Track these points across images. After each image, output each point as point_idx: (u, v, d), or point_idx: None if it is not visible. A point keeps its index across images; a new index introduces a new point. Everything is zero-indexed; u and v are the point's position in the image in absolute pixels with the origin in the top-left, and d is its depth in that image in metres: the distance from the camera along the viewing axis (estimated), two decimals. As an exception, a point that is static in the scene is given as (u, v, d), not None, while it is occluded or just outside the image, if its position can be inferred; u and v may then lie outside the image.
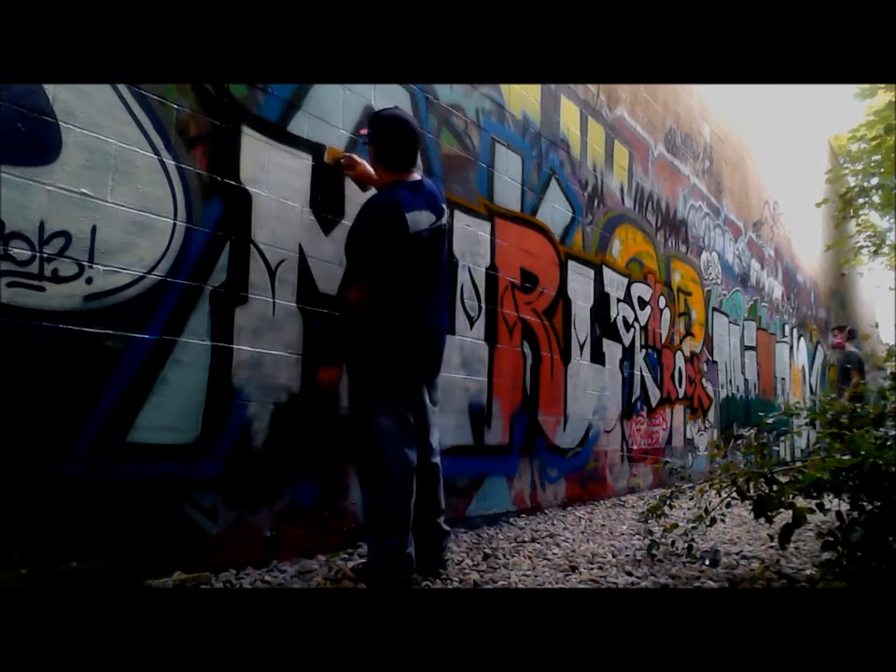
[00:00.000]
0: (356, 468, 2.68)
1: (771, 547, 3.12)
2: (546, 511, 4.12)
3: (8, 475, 1.88)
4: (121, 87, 2.15)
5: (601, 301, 4.96)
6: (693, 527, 3.02)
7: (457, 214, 3.57)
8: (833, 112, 33.47)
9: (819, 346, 11.48)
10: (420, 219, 2.35)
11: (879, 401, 2.74)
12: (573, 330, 4.59)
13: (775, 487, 2.50)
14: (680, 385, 6.23)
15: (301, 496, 2.64)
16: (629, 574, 2.65)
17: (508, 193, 3.99)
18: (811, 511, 2.39)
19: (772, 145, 9.20)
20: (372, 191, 2.67)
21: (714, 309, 7.14)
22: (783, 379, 9.37)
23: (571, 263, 4.61)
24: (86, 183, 2.05)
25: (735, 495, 2.78)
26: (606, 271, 5.06)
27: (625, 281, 5.35)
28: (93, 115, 2.07)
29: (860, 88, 11.83)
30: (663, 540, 3.14)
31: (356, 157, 2.72)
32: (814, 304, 11.35)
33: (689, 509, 3.47)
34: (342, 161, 2.74)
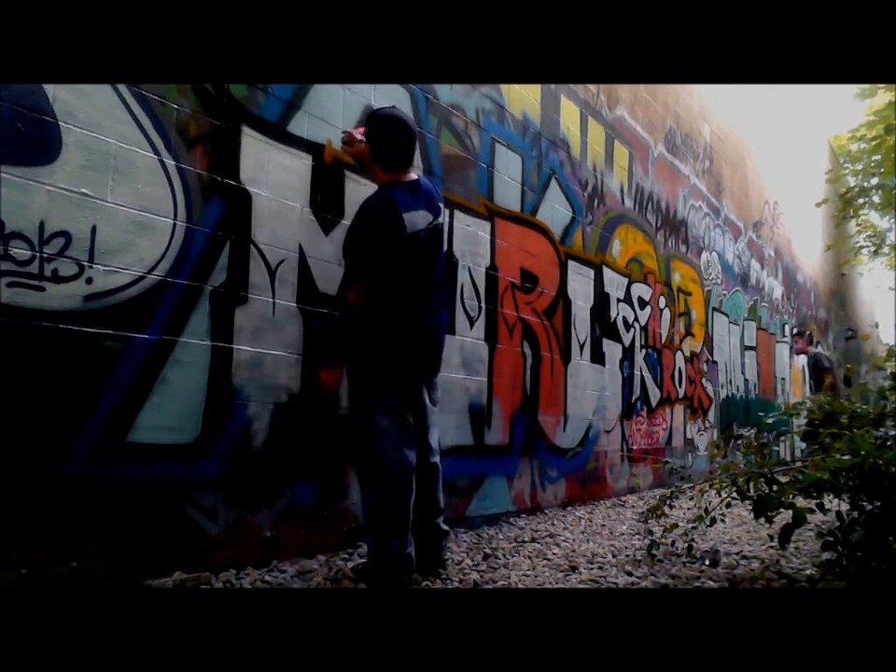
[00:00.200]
0: (355, 468, 2.67)
1: (771, 547, 3.12)
2: (546, 511, 4.12)
3: (8, 475, 1.88)
4: (121, 87, 2.15)
5: (601, 300, 4.96)
6: (693, 527, 3.02)
7: (457, 214, 3.57)
8: (833, 112, 33.52)
9: (820, 346, 11.48)
10: (417, 219, 2.34)
11: (879, 401, 2.74)
12: (573, 330, 4.59)
13: (775, 487, 2.50)
14: (680, 385, 6.23)
15: (301, 496, 2.64)
16: (629, 574, 2.65)
17: (508, 193, 3.99)
18: (811, 511, 2.39)
19: (772, 145, 9.20)
20: (370, 187, 2.66)
21: (714, 309, 7.14)
22: (783, 379, 9.38)
23: (571, 263, 4.61)
24: (86, 183, 2.05)
25: (734, 495, 2.78)
26: (606, 271, 5.06)
27: (625, 281, 5.35)
28: (93, 115, 2.07)
29: (860, 88, 11.85)
30: (663, 540, 3.14)
31: (354, 133, 2.62)
32: (814, 304, 11.35)
33: (689, 509, 3.47)
34: (342, 136, 2.70)
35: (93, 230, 2.06)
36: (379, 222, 2.30)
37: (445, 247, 3.24)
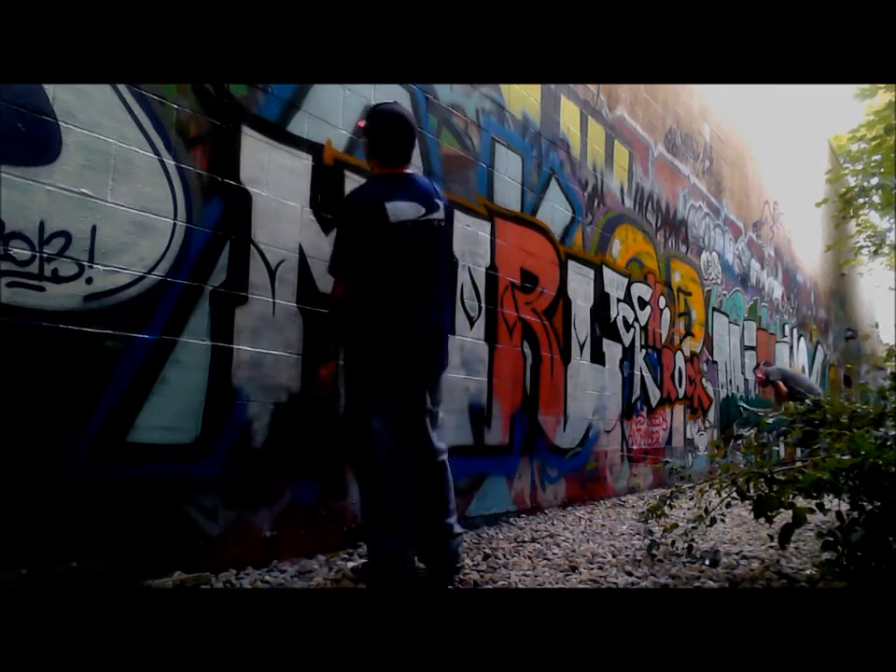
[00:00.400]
0: (352, 468, 2.66)
1: (771, 547, 3.12)
2: (546, 511, 4.12)
3: (9, 475, 1.88)
4: (121, 87, 2.15)
5: (601, 300, 4.96)
6: (693, 527, 3.02)
7: (457, 214, 3.57)
8: (833, 112, 33.54)
9: (819, 346, 11.49)
10: (403, 210, 2.27)
11: (879, 401, 2.74)
12: (573, 330, 4.59)
13: (775, 487, 2.50)
14: (680, 385, 6.23)
15: (301, 496, 2.64)
16: (629, 574, 2.65)
17: (508, 193, 3.99)
18: (811, 511, 2.39)
19: (772, 145, 9.20)
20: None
21: (714, 309, 7.14)
22: (783, 379, 9.37)
23: (571, 263, 4.61)
24: (86, 183, 2.05)
25: (734, 495, 2.78)
26: (606, 271, 5.05)
27: (625, 281, 5.35)
28: (93, 115, 2.07)
29: (860, 88, 11.85)
30: (663, 540, 3.13)
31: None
32: (814, 304, 11.34)
33: (689, 509, 3.47)
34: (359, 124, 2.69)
35: (93, 230, 2.06)
36: (359, 209, 2.28)
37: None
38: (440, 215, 2.41)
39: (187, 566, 2.22)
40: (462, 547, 2.50)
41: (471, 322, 3.64)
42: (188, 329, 2.30)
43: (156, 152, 2.24)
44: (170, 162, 2.28)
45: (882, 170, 10.96)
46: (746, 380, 7.93)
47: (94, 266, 2.06)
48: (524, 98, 4.20)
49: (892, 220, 13.43)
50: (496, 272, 3.84)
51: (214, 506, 2.35)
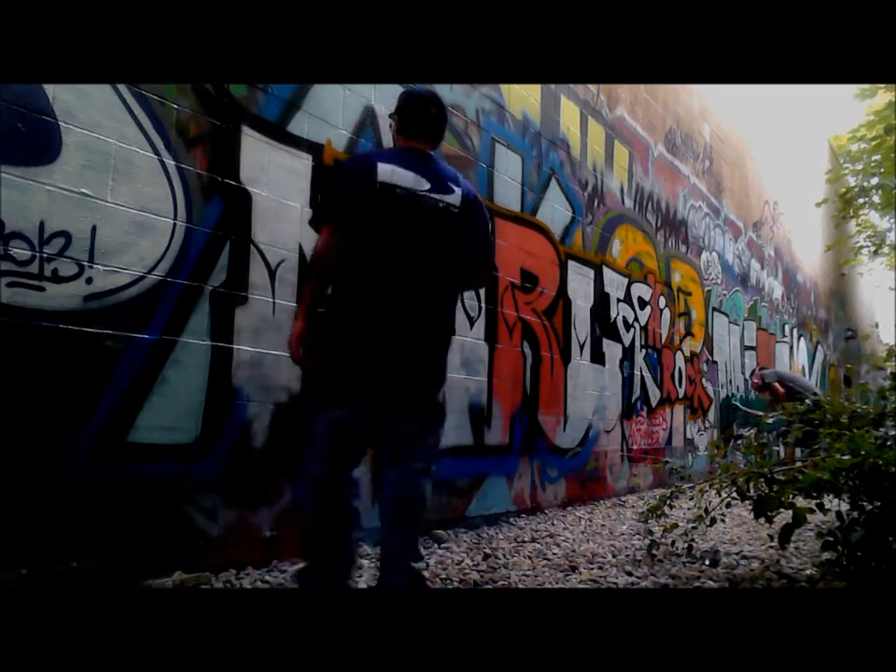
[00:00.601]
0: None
1: (771, 547, 3.12)
2: (546, 511, 4.12)
3: (9, 475, 1.88)
4: (121, 87, 2.15)
5: (601, 301, 4.96)
6: (693, 527, 3.02)
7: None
8: (833, 112, 33.55)
9: (819, 346, 11.48)
10: (398, 175, 2.02)
11: (879, 401, 2.74)
12: (573, 330, 4.59)
13: (775, 487, 2.50)
14: (680, 385, 6.23)
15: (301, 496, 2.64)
16: (629, 574, 2.65)
17: (508, 193, 3.99)
18: (811, 511, 2.39)
19: (772, 145, 9.20)
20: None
21: (714, 309, 7.14)
22: (783, 379, 9.37)
23: (571, 263, 4.61)
24: (86, 183, 2.05)
25: (735, 495, 2.78)
26: (606, 271, 5.05)
27: (625, 281, 5.35)
28: (93, 115, 2.07)
29: (860, 88, 11.85)
30: (663, 540, 3.13)
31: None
32: (814, 304, 11.34)
33: (689, 509, 3.47)
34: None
35: (93, 230, 2.06)
36: (350, 166, 2.13)
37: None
38: (452, 199, 2.11)
39: (187, 566, 2.22)
40: (419, 586, 2.11)
41: (471, 322, 3.63)
42: (188, 329, 2.30)
43: (156, 152, 2.24)
44: (170, 162, 2.28)
45: (882, 170, 10.96)
46: (746, 380, 7.93)
47: (94, 266, 2.06)
48: (524, 98, 4.20)
49: (892, 220, 13.43)
50: (496, 272, 3.84)
51: (214, 506, 2.35)
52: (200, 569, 2.24)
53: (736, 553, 3.09)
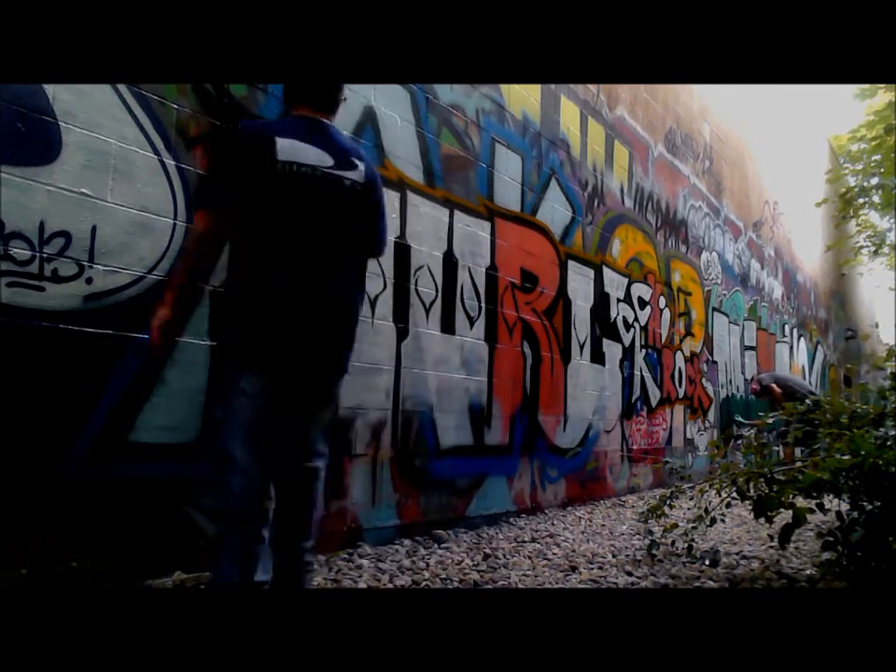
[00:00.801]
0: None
1: (771, 547, 3.12)
2: (546, 511, 4.12)
3: (9, 475, 1.88)
4: (121, 87, 2.15)
5: (601, 300, 4.96)
6: (693, 527, 3.02)
7: (457, 214, 3.58)
8: (833, 112, 33.58)
9: (819, 346, 11.48)
10: (299, 151, 1.87)
11: (879, 401, 2.74)
12: (573, 330, 4.59)
13: (775, 487, 2.50)
14: (680, 385, 6.23)
15: (301, 496, 2.63)
16: (629, 574, 2.65)
17: (508, 193, 3.99)
18: (811, 511, 2.39)
19: (772, 145, 9.20)
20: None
21: (714, 309, 7.14)
22: (783, 379, 9.37)
23: (571, 263, 4.61)
24: (86, 183, 2.05)
25: (734, 495, 2.78)
26: (606, 271, 5.06)
27: (625, 281, 5.35)
28: (93, 115, 2.07)
29: (860, 88, 11.86)
30: (663, 540, 3.14)
31: None
32: (814, 304, 11.35)
33: (689, 509, 3.47)
34: None
35: (93, 230, 2.06)
36: (238, 141, 1.88)
37: (398, 233, 3.19)
38: (355, 175, 1.98)
39: (187, 566, 2.22)
40: (312, 578, 2.07)
41: (471, 322, 3.63)
42: (188, 329, 2.30)
43: (156, 152, 2.24)
44: (170, 162, 2.28)
45: (882, 170, 10.96)
46: (746, 380, 7.93)
47: (94, 266, 2.06)
48: (524, 98, 4.20)
49: (892, 220, 13.44)
50: (496, 272, 3.84)
51: (214, 506, 2.35)
52: (200, 569, 2.24)
53: (736, 553, 3.09)
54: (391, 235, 3.15)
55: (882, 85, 10.52)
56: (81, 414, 2.03)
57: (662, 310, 5.94)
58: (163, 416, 2.22)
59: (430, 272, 3.38)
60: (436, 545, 3.08)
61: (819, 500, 2.51)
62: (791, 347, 9.80)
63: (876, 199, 12.19)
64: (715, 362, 7.10)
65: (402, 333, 3.20)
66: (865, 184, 11.99)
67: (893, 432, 2.39)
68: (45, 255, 1.95)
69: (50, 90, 1.97)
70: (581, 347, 4.68)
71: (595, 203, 4.97)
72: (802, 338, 10.41)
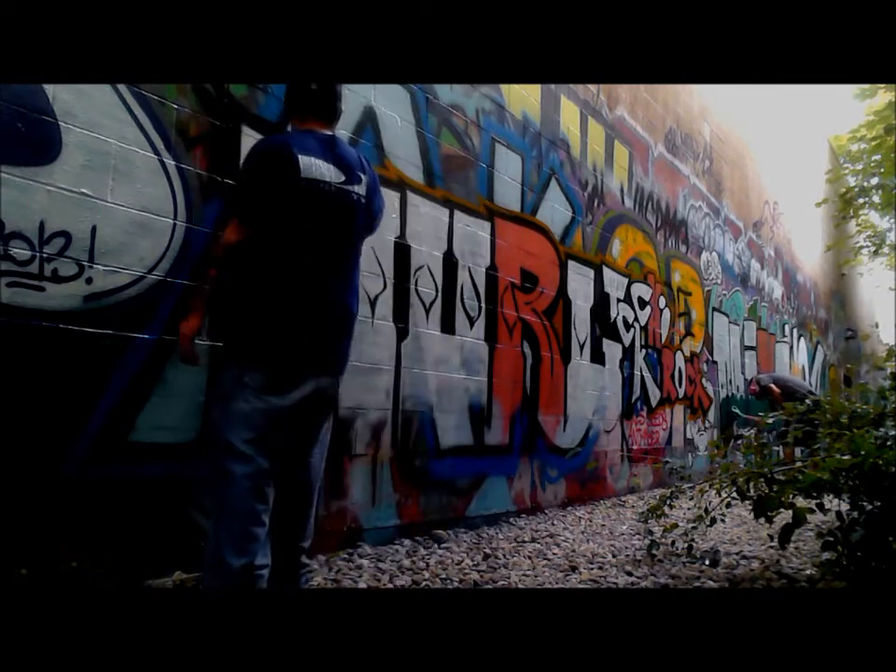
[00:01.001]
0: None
1: (771, 547, 3.12)
2: (546, 511, 4.12)
3: (9, 475, 1.88)
4: (121, 87, 2.15)
5: (601, 300, 4.96)
6: (693, 527, 3.02)
7: (457, 214, 3.58)
8: (833, 112, 33.60)
9: (819, 346, 11.48)
10: (319, 168, 1.96)
11: (879, 401, 2.74)
12: (573, 330, 4.59)
13: (775, 487, 2.50)
14: (680, 385, 6.23)
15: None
16: (629, 574, 2.65)
17: (508, 193, 3.99)
18: (811, 511, 2.39)
19: (772, 145, 9.21)
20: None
21: (714, 309, 7.14)
22: (783, 379, 9.36)
23: (571, 263, 4.61)
24: (86, 183, 2.05)
25: (734, 495, 2.78)
26: (606, 271, 5.06)
27: (625, 281, 5.35)
28: (93, 115, 2.07)
29: (859, 88, 11.86)
30: (663, 540, 3.14)
31: None
32: (814, 304, 11.35)
33: (689, 509, 3.47)
34: None
35: (93, 230, 2.06)
36: (264, 157, 1.97)
37: (398, 233, 3.21)
38: (360, 189, 2.09)
39: (187, 566, 2.22)
40: (310, 583, 2.13)
41: (471, 322, 3.63)
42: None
43: (156, 152, 2.24)
44: (170, 162, 2.28)
45: (882, 170, 10.97)
46: (746, 380, 7.93)
47: (94, 266, 2.06)
48: (524, 98, 4.20)
49: (892, 220, 13.44)
50: (496, 272, 3.84)
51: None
52: (200, 569, 2.23)
53: (736, 553, 3.09)
54: (391, 235, 3.16)
55: (882, 85, 10.52)
56: (81, 414, 2.03)
57: (662, 310, 5.95)
58: (163, 416, 2.22)
59: (430, 272, 3.38)
60: (436, 545, 3.08)
61: (819, 500, 2.51)
62: (791, 347, 9.80)
63: (876, 199, 12.19)
64: (715, 362, 7.10)
65: (402, 333, 3.20)
66: (865, 184, 12.00)
67: (893, 432, 2.39)
68: (45, 255, 1.95)
69: (50, 90, 1.97)
70: (581, 347, 4.68)
71: (595, 203, 4.97)
72: (802, 338, 10.41)
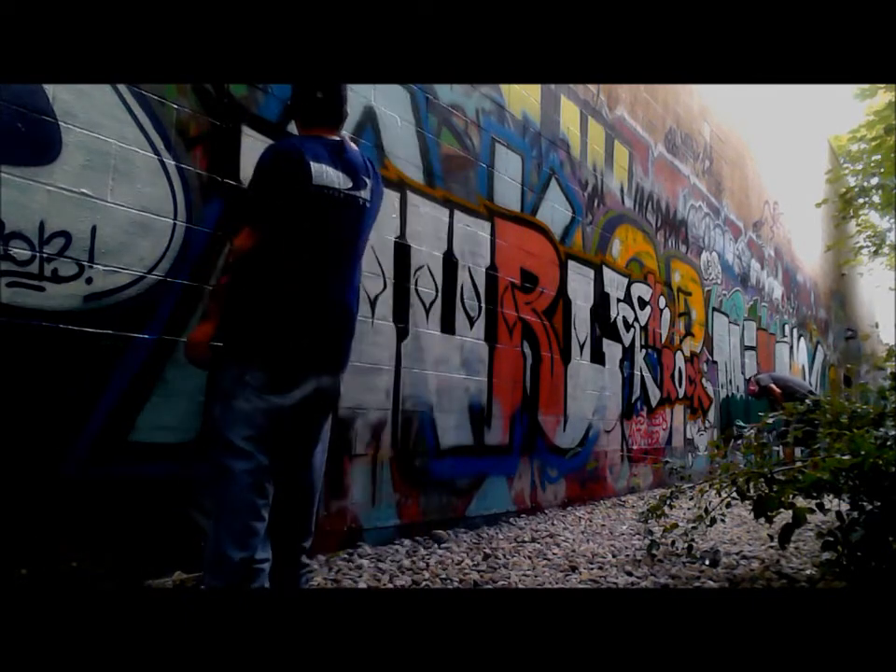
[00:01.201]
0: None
1: (771, 547, 3.12)
2: (546, 511, 4.12)
3: (9, 475, 1.88)
4: (121, 87, 2.15)
5: (601, 300, 4.96)
6: (693, 527, 3.02)
7: (457, 214, 3.58)
8: (833, 112, 33.60)
9: (819, 346, 11.48)
10: (329, 176, 1.97)
11: (879, 401, 2.74)
12: (573, 330, 4.59)
13: (775, 487, 2.50)
14: (680, 385, 6.23)
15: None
16: (629, 574, 2.65)
17: (508, 193, 3.99)
18: (811, 511, 2.39)
19: (772, 145, 9.21)
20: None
21: (714, 309, 7.14)
22: (783, 379, 9.36)
23: (571, 263, 4.61)
24: (86, 183, 2.05)
25: (734, 495, 2.78)
26: (606, 271, 5.06)
27: (625, 281, 5.35)
28: (93, 115, 2.07)
29: (860, 88, 11.86)
30: (663, 540, 3.14)
31: None
32: (814, 304, 11.35)
33: (689, 509, 3.47)
34: None
35: (93, 230, 2.06)
36: (277, 164, 1.95)
37: (398, 233, 3.22)
38: (365, 193, 2.10)
39: (187, 566, 2.22)
40: (310, 583, 2.14)
41: (471, 322, 3.63)
42: (188, 329, 2.30)
43: (156, 152, 2.24)
44: (170, 162, 2.28)
45: (882, 170, 10.97)
46: (746, 380, 7.93)
47: (94, 266, 2.06)
48: (524, 98, 4.20)
49: (892, 220, 13.44)
50: (496, 272, 3.84)
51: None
52: (200, 569, 2.23)
53: (736, 553, 3.09)
54: (391, 235, 3.16)
55: (882, 85, 10.52)
56: (81, 414, 2.03)
57: (662, 310, 5.95)
58: (163, 416, 2.22)
59: (430, 272, 3.38)
60: (436, 545, 3.08)
61: (819, 500, 2.51)
62: (791, 347, 9.80)
63: (876, 199, 12.19)
64: (715, 362, 7.10)
65: (402, 333, 3.20)
66: (865, 184, 12.00)
67: (893, 432, 2.39)
68: (45, 255, 1.95)
69: (50, 90, 1.97)
70: (581, 347, 4.68)
71: (595, 203, 4.97)
72: (802, 338, 10.41)
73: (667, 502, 3.26)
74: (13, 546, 1.88)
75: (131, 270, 2.15)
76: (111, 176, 2.11)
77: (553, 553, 3.01)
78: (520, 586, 2.45)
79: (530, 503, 4.04)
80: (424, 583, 2.43)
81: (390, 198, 3.13)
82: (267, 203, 1.95)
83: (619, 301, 5.22)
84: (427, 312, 3.36)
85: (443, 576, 2.52)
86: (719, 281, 7.30)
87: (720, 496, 2.89)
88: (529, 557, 2.92)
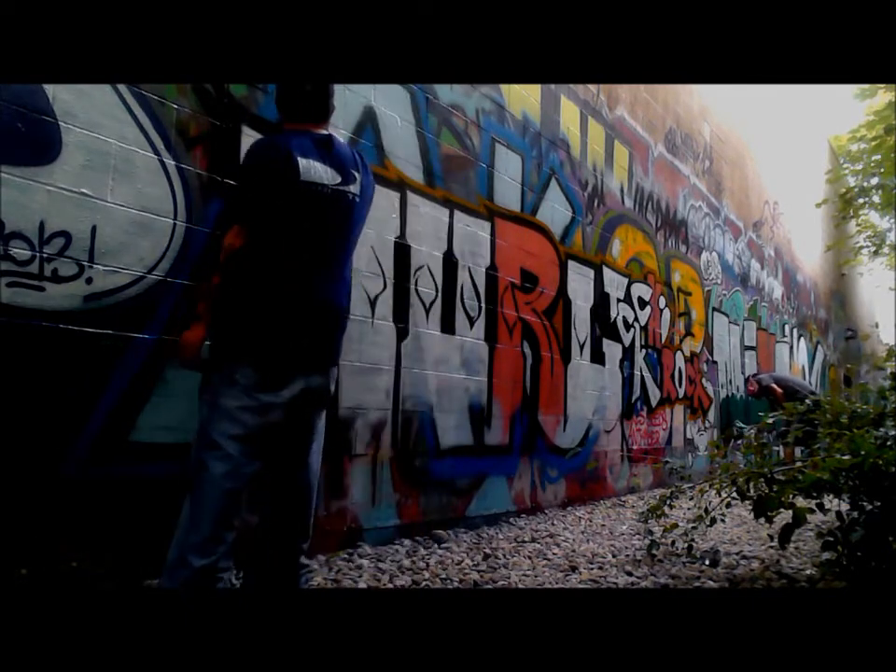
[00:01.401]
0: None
1: (771, 547, 3.12)
2: (546, 511, 4.12)
3: (9, 475, 1.88)
4: (121, 87, 2.15)
5: (601, 301, 4.96)
6: (693, 527, 3.02)
7: (457, 214, 3.58)
8: (833, 112, 33.60)
9: (819, 346, 11.48)
10: (317, 171, 1.94)
11: (879, 401, 2.74)
12: (573, 330, 4.59)
13: (775, 487, 2.50)
14: (680, 385, 6.23)
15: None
16: (629, 574, 2.65)
17: (508, 193, 3.99)
18: (811, 511, 2.39)
19: (772, 145, 9.20)
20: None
21: (714, 309, 7.14)
22: (783, 379, 9.36)
23: (571, 263, 4.61)
24: (86, 183, 2.05)
25: (734, 495, 2.78)
26: (606, 271, 5.05)
27: (625, 281, 5.35)
28: (93, 115, 2.07)
29: (859, 88, 11.86)
30: (663, 540, 3.13)
31: None
32: (814, 304, 11.35)
33: (689, 509, 3.47)
34: None
35: (93, 230, 2.06)
36: (264, 161, 1.92)
37: (398, 233, 3.21)
38: (354, 188, 2.06)
39: (187, 566, 2.22)
40: (310, 583, 2.11)
41: (471, 322, 3.63)
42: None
43: (156, 152, 2.24)
44: (170, 162, 2.28)
45: (882, 170, 10.97)
46: (746, 380, 7.93)
47: (94, 266, 2.06)
48: (524, 98, 4.20)
49: (892, 220, 13.44)
50: (496, 272, 3.84)
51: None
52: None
53: (736, 553, 3.09)
54: (391, 235, 3.16)
55: (882, 85, 10.52)
56: (81, 414, 2.03)
57: (662, 310, 5.94)
58: (163, 416, 2.22)
59: (430, 272, 3.38)
60: (436, 545, 3.08)
61: (819, 500, 2.51)
62: (791, 347, 9.80)
63: (876, 199, 12.19)
64: (715, 362, 7.10)
65: (402, 333, 3.20)
66: (865, 184, 12.00)
67: (893, 432, 2.39)
68: (45, 255, 1.95)
69: (50, 90, 1.97)
70: (581, 347, 4.68)
71: (595, 203, 4.97)
72: (802, 338, 10.41)
73: (667, 502, 3.26)
74: (13, 546, 1.88)
75: (131, 270, 2.15)
76: (111, 176, 2.11)
77: (553, 553, 3.01)
78: (520, 586, 2.45)
79: (530, 503, 4.04)
80: (424, 583, 2.42)
81: (390, 198, 3.14)
82: (255, 200, 1.91)
83: (619, 301, 5.22)
84: (427, 312, 3.36)
85: (443, 576, 2.52)
86: (719, 281, 7.30)
87: (720, 496, 2.89)
88: (529, 557, 2.92)
